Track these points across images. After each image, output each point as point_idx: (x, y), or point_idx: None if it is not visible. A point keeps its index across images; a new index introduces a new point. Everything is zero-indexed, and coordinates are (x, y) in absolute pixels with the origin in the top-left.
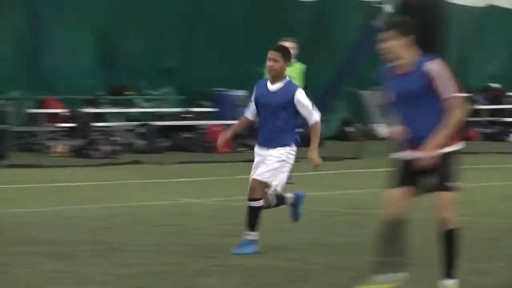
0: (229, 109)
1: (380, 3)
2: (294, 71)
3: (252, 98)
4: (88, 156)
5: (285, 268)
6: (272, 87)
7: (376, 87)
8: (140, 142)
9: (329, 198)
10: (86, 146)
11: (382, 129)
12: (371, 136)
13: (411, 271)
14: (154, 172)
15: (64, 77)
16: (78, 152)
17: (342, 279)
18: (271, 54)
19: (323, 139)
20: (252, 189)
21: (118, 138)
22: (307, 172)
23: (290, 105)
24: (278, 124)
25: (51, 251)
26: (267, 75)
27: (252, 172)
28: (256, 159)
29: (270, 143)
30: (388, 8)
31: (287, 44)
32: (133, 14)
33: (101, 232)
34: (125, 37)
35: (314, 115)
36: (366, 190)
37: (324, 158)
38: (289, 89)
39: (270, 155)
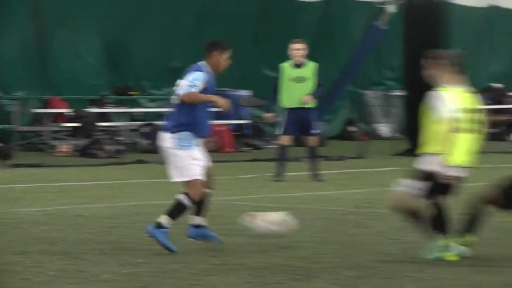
0: (233, 109)
1: (383, 3)
2: (308, 71)
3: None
4: (92, 156)
5: (289, 266)
6: None
7: (378, 87)
8: (144, 142)
9: (332, 197)
10: (91, 145)
11: (384, 128)
12: (374, 136)
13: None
14: (158, 172)
15: (69, 77)
16: (82, 152)
17: (346, 278)
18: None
19: (327, 138)
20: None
21: (122, 138)
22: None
23: None
24: None
25: (56, 250)
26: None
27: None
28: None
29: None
30: (391, 8)
31: (298, 45)
32: (139, 14)
33: (106, 231)
34: (130, 38)
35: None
36: (369, 189)
37: (327, 158)
38: None
39: None
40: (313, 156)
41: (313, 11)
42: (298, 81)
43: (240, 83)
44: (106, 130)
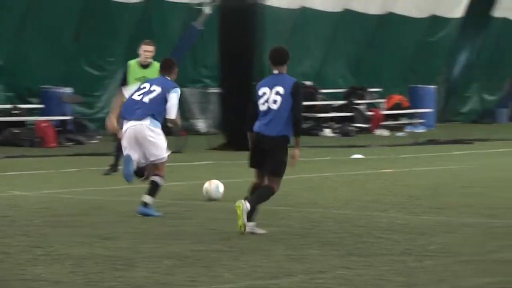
0: (57, 106)
1: (199, 5)
2: (154, 72)
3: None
4: None
5: (111, 257)
6: None
7: (195, 84)
8: None
9: None
10: None
11: (201, 124)
12: (192, 131)
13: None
14: None
15: None
16: None
17: (166, 267)
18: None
19: None
20: None
21: None
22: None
23: None
24: None
25: None
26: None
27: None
28: None
29: None
30: (207, 10)
31: (149, 47)
32: None
33: None
34: None
35: None
36: (188, 182)
37: None
38: None
39: None
40: None
41: (132, 12)
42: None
43: (62, 80)
44: None
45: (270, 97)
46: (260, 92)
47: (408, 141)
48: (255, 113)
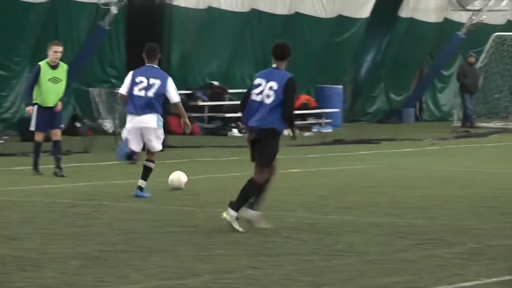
0: None
1: (106, 5)
2: (62, 72)
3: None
4: None
5: (19, 257)
6: None
7: (103, 84)
8: None
9: (60, 191)
10: None
11: (108, 124)
12: (99, 131)
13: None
14: None
15: None
16: None
17: (73, 267)
18: None
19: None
20: None
21: None
22: (44, 165)
23: None
24: None
25: None
26: None
27: None
28: None
29: None
30: (114, 10)
31: (58, 48)
32: None
33: None
34: None
35: None
36: (95, 182)
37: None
38: None
39: None
40: (58, 150)
41: (39, 11)
42: (53, 81)
43: None
44: None
45: (264, 90)
46: (256, 82)
47: (316, 141)
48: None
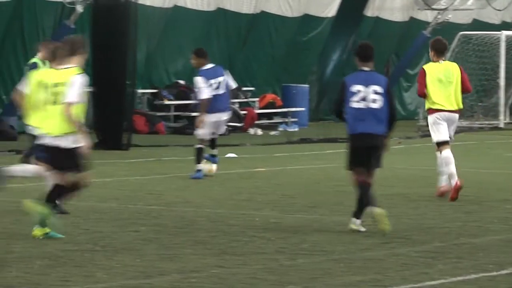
0: None
1: (72, 3)
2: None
3: None
4: None
5: None
6: None
7: None
8: None
9: (25, 190)
10: None
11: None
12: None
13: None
14: None
15: None
16: None
17: (38, 267)
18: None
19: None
20: None
21: None
22: None
23: None
24: None
25: None
26: None
27: None
28: None
29: None
30: (79, 8)
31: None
32: None
33: None
34: None
35: None
36: None
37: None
38: None
39: None
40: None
41: (4, 9)
42: None
43: None
44: None
45: (367, 95)
46: (354, 89)
47: (282, 140)
48: (341, 110)
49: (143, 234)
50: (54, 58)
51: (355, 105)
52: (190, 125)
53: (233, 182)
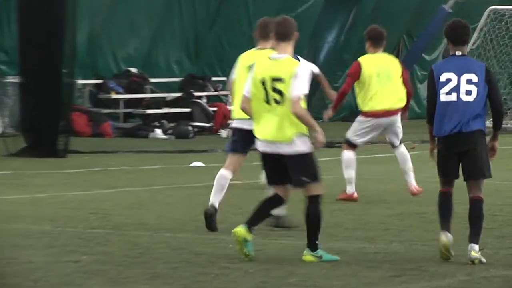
0: None
1: None
2: None
3: None
4: None
5: None
6: None
7: None
8: None
9: None
10: None
11: None
12: None
13: None
14: None
15: None
16: None
17: None
18: None
19: None
20: None
21: None
22: None
23: None
24: None
25: None
26: None
27: None
28: None
29: None
30: None
31: None
32: None
33: None
34: None
35: None
36: None
37: None
38: None
39: None
40: None
41: None
42: None
43: None
44: None
45: (460, 86)
46: (443, 78)
47: None
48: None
49: (85, 265)
50: None
51: (442, 98)
52: (144, 125)
53: (199, 198)
